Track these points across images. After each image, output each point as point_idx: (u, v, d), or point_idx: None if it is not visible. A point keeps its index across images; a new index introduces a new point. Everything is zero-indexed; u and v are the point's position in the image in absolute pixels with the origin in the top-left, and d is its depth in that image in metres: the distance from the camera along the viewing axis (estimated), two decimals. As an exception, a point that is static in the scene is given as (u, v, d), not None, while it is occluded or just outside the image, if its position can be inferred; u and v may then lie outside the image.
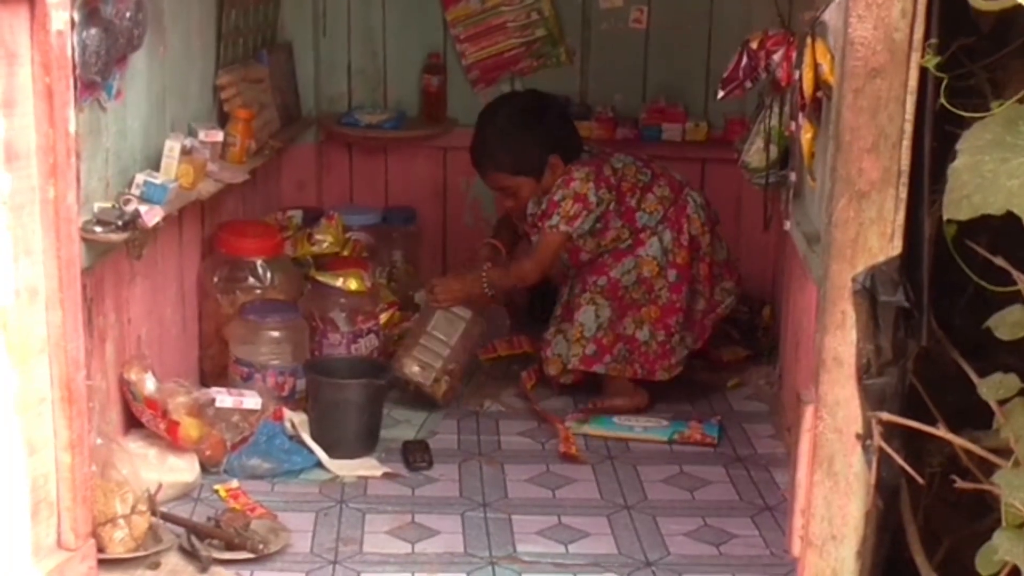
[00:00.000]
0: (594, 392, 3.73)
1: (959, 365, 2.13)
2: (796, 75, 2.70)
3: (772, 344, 4.00)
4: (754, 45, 3.15)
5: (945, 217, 1.85)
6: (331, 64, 4.55)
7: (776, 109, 3.11)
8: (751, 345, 4.14)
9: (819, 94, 2.56)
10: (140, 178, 2.96)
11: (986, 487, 1.96)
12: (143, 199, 2.92)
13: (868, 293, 2.13)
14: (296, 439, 3.30)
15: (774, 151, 3.18)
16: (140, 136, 3.07)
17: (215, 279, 3.59)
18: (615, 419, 3.61)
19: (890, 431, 2.13)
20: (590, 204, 3.63)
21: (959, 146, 1.87)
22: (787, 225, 3.00)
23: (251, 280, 3.60)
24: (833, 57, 2.43)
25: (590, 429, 3.58)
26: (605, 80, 4.55)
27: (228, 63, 3.73)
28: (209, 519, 2.89)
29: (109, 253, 2.88)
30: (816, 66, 2.52)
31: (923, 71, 2.07)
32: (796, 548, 2.26)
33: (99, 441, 2.85)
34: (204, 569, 2.73)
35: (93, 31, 2.66)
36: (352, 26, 4.54)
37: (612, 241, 3.69)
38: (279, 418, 3.31)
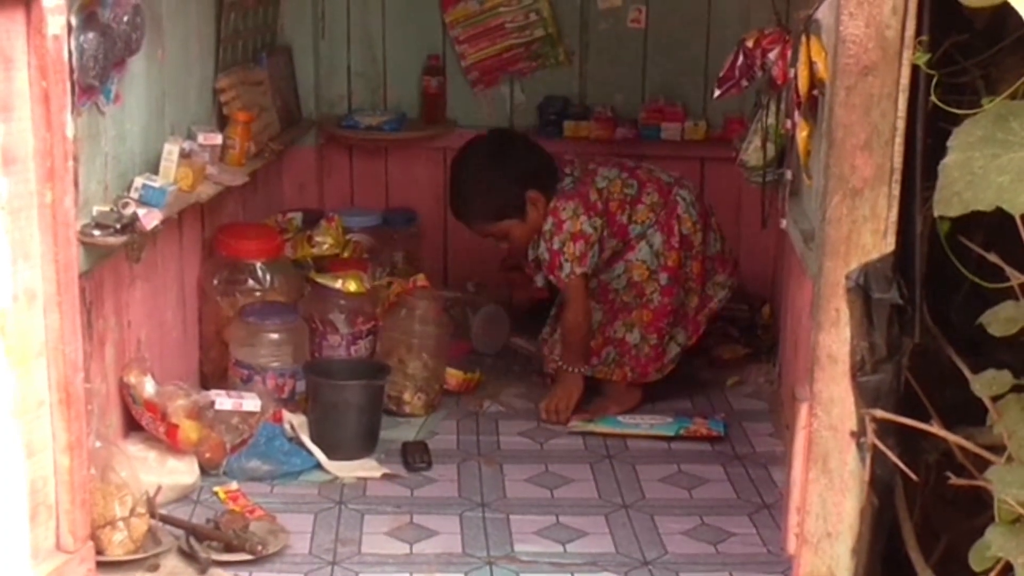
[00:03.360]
0: (594, 391, 3.73)
1: (954, 361, 2.13)
2: (792, 73, 2.71)
3: (772, 342, 4.00)
4: (750, 44, 3.15)
5: (936, 213, 1.85)
6: (331, 66, 4.56)
7: (773, 108, 3.11)
8: (751, 343, 4.14)
9: (814, 92, 2.56)
10: (139, 181, 2.96)
11: (980, 483, 1.96)
12: (142, 202, 2.92)
13: (862, 290, 2.13)
14: (295, 441, 3.30)
15: (771, 149, 3.18)
16: (139, 140, 3.08)
17: (215, 281, 3.59)
18: (620, 418, 3.61)
19: (885, 428, 2.13)
20: (589, 236, 3.60)
21: (950, 143, 1.87)
22: (784, 223, 3.00)
23: (251, 282, 3.60)
24: (827, 55, 2.43)
25: (596, 428, 3.58)
26: (604, 80, 4.55)
27: (227, 66, 3.73)
28: (208, 521, 2.90)
29: (108, 256, 2.88)
30: (811, 64, 2.52)
31: (916, 68, 2.08)
32: (792, 546, 2.26)
33: (98, 444, 2.85)
34: (203, 571, 2.73)
35: (90, 35, 2.66)
36: (351, 29, 4.55)
37: (609, 259, 3.67)
38: (278, 420, 3.31)
